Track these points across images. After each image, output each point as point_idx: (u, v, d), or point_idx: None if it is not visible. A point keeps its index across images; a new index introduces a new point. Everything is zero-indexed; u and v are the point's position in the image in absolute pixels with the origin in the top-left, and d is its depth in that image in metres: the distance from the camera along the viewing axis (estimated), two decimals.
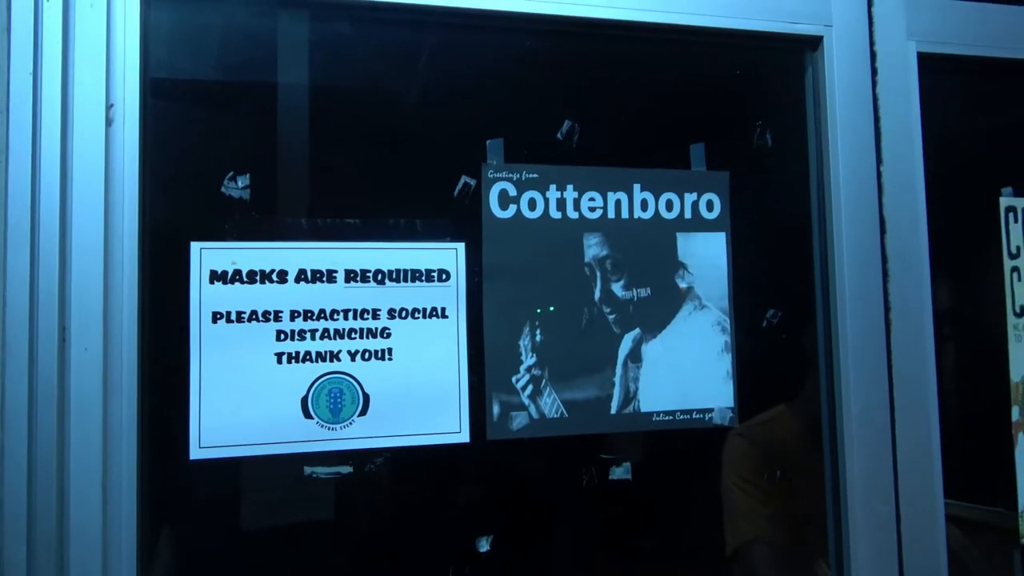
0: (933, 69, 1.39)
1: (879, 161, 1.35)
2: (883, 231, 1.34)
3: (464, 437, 1.18)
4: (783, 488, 1.41)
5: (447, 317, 1.19)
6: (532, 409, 1.23)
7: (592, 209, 1.28)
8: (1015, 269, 1.43)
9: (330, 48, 1.19)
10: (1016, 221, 1.44)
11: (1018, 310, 1.43)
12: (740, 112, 1.37)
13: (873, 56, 1.36)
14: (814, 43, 1.36)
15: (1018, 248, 1.44)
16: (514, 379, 1.22)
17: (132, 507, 1.03)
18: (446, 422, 1.18)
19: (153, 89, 1.12)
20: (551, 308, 1.23)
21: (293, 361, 1.13)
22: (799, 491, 1.39)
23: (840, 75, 1.35)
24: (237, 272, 1.12)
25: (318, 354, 1.14)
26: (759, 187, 1.36)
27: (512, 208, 1.24)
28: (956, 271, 1.42)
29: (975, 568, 1.56)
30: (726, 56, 1.37)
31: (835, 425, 1.32)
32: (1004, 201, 1.45)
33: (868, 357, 1.32)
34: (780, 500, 1.40)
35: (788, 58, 1.37)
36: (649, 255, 1.30)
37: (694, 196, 1.32)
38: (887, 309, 1.33)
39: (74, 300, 1.02)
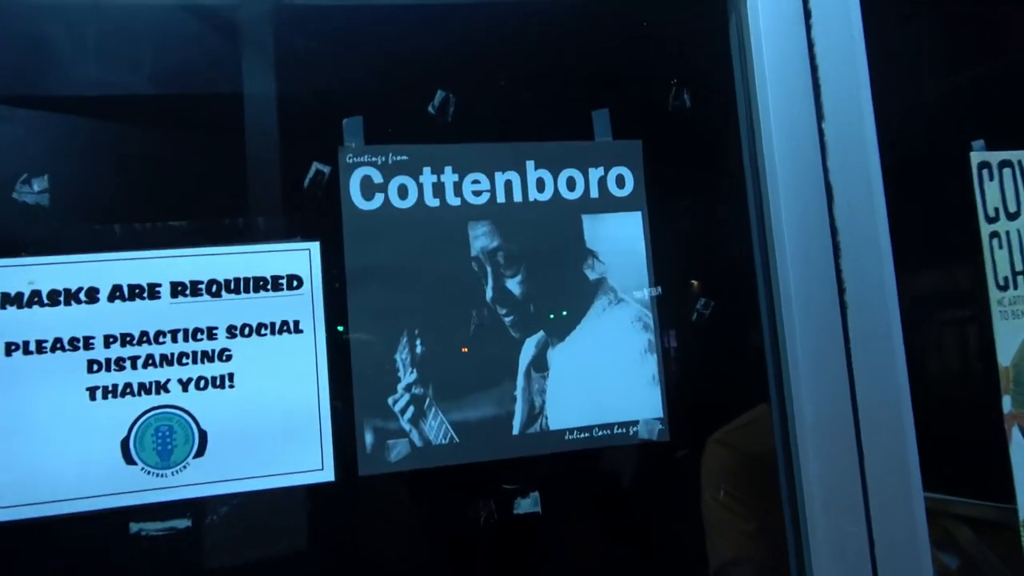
0: (879, 6, 1.18)
1: (820, 117, 1.15)
2: (830, 199, 1.13)
3: (328, 475, 0.98)
4: (768, 500, 1.21)
5: (301, 332, 1.00)
6: (414, 435, 1.02)
7: (477, 193, 1.08)
8: (994, 235, 1.22)
9: (144, 20, 1.00)
10: (992, 179, 1.23)
11: (1002, 282, 1.21)
12: (651, 70, 1.19)
13: None
14: None
15: (996, 210, 1.22)
16: (390, 401, 1.02)
17: None
18: (305, 458, 0.98)
19: None
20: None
21: (110, 396, 0.94)
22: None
23: (767, 20, 1.15)
24: (35, 293, 0.93)
25: (141, 386, 0.95)
26: (679, 156, 1.17)
27: (378, 197, 1.05)
28: (923, 241, 1.20)
29: (990, 571, 1.38)
30: (630, 4, 1.17)
31: (787, 434, 1.11)
32: (976, 156, 1.23)
33: (822, 350, 1.11)
34: (765, 514, 1.22)
35: (706, 3, 1.17)
36: (550, 243, 1.11)
37: (600, 171, 1.13)
38: (841, 291, 1.13)
39: None
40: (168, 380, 0.96)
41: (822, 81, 1.15)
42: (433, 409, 1.03)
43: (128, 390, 0.94)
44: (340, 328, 1.00)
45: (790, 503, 1.13)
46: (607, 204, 1.13)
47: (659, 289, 1.13)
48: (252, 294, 0.99)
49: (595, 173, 1.13)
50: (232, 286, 0.98)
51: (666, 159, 1.15)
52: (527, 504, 1.07)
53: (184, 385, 0.96)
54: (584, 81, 1.17)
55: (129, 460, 0.93)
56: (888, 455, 1.12)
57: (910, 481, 1.13)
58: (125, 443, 0.94)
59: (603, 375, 1.10)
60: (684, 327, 1.16)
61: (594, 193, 1.13)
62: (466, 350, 1.05)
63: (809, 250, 1.12)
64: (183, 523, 0.95)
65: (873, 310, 1.13)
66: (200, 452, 0.95)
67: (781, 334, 1.12)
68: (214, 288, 0.98)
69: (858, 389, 1.12)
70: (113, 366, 0.94)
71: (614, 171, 1.14)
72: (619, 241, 1.13)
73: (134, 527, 0.94)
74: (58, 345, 0.93)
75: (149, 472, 0.94)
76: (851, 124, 1.15)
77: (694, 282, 1.20)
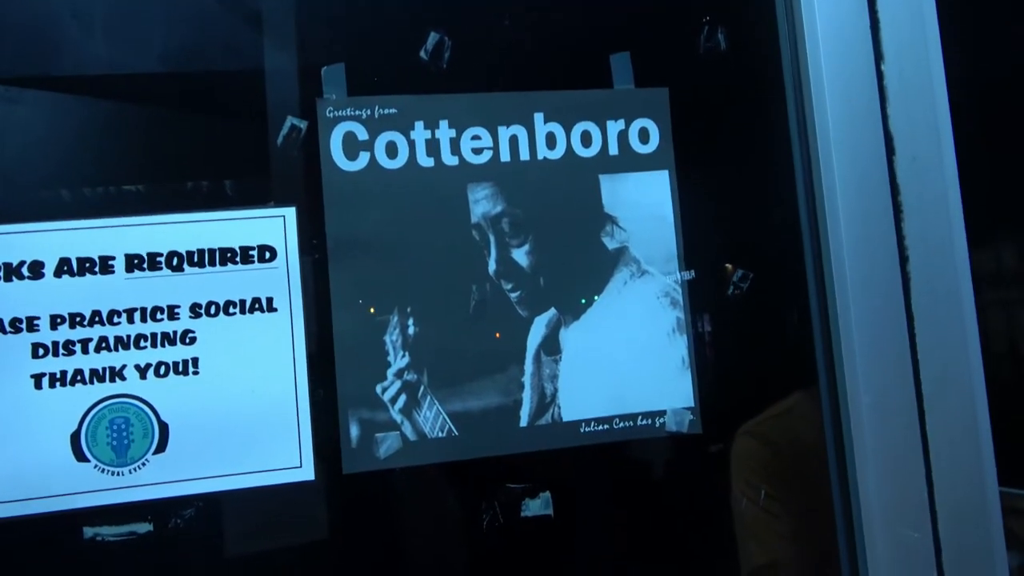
0: None
1: (879, 57, 1.00)
2: (890, 151, 0.99)
3: (307, 473, 0.87)
4: (804, 498, 1.12)
5: (275, 310, 0.88)
6: (407, 428, 0.90)
7: (477, 151, 0.95)
8: None
9: None
10: None
11: None
12: (680, 6, 1.03)
13: None
14: None
15: None
16: (379, 388, 0.90)
17: None
18: (280, 454, 0.86)
19: None
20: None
21: (58, 384, 0.83)
22: (826, 500, 1.06)
23: None
24: None
25: (93, 373, 0.84)
26: (712, 106, 1.02)
27: (363, 156, 0.92)
28: (1000, 201, 1.04)
29: None
30: None
31: (839, 423, 0.97)
32: None
33: (880, 326, 0.98)
34: (803, 513, 1.12)
35: None
36: (562, 208, 0.98)
37: (621, 124, 1.00)
38: (903, 259, 0.98)
39: None
40: (124, 366, 0.85)
41: (881, 15, 1.01)
42: (428, 398, 0.91)
43: (79, 377, 0.84)
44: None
45: (843, 503, 0.99)
46: (629, 162, 1.00)
47: (692, 272, 0.99)
48: (218, 268, 0.87)
49: (614, 127, 1.00)
50: (196, 259, 0.87)
51: (697, 110, 1.02)
52: (537, 506, 0.94)
53: (142, 372, 0.85)
54: (602, 19, 1.02)
55: (80, 457, 0.83)
56: (958, 447, 0.99)
57: (984, 478, 0.99)
58: (75, 437, 0.83)
59: (624, 359, 0.97)
60: (719, 303, 1.02)
61: (613, 150, 0.99)
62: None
63: (866, 212, 0.98)
64: (143, 527, 0.84)
65: (941, 282, 0.99)
66: (161, 447, 0.84)
67: (832, 310, 0.99)
68: (175, 261, 0.86)
69: (922, 370, 0.98)
70: (61, 350, 0.83)
71: (636, 124, 1.00)
72: (642, 205, 1.00)
73: (88, 532, 0.83)
74: None
75: (103, 470, 0.83)
76: (916, 65, 1.01)
77: (730, 252, 1.05)
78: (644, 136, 1.00)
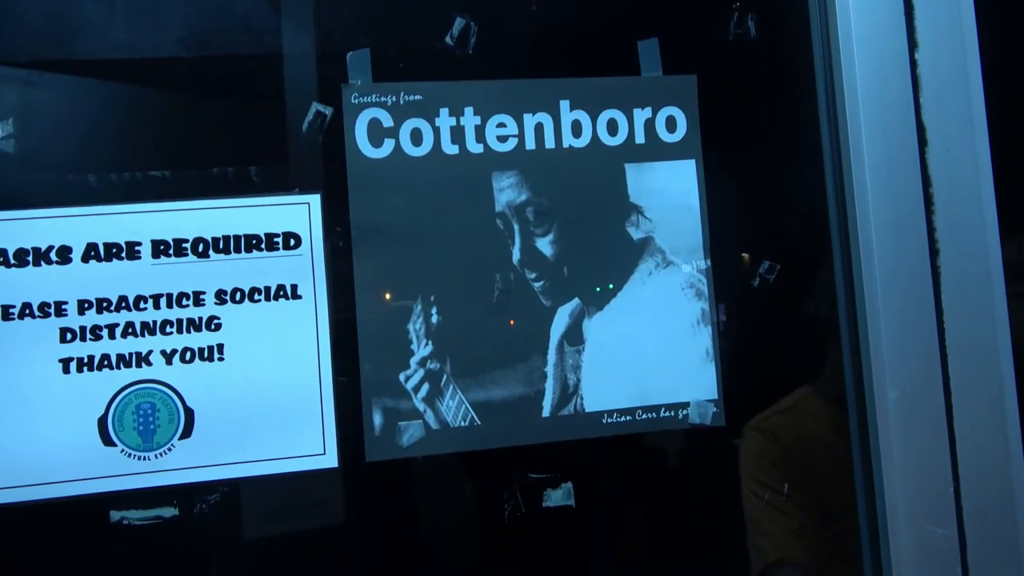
0: None
1: (912, 45, 0.98)
2: (923, 143, 0.97)
3: (331, 461, 0.87)
4: (813, 493, 1.11)
5: (300, 297, 0.88)
6: (429, 416, 0.90)
7: (502, 139, 0.94)
8: None
9: None
10: None
11: None
12: None
13: None
14: None
15: None
16: (403, 377, 0.90)
17: None
18: (304, 442, 0.87)
19: None
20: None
21: (85, 369, 0.84)
22: (834, 495, 1.09)
23: None
24: (0, 252, 0.83)
25: (119, 358, 0.84)
26: (741, 94, 1.01)
27: (388, 143, 0.92)
28: None
29: None
30: None
31: (865, 419, 0.96)
32: None
33: (908, 321, 0.96)
34: (810, 509, 1.11)
35: None
36: (587, 197, 0.97)
37: (647, 112, 0.98)
38: (934, 252, 0.96)
39: None
40: (150, 351, 0.85)
41: (916, 0, 0.97)
42: (451, 387, 0.91)
43: (105, 362, 0.84)
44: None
45: (867, 499, 0.98)
46: (655, 151, 0.98)
47: (718, 263, 0.98)
48: (244, 254, 0.87)
49: (641, 115, 0.98)
50: (221, 245, 0.87)
51: (725, 97, 1.00)
52: (558, 496, 0.94)
53: (168, 357, 0.85)
54: (629, 4, 1.01)
55: (107, 441, 0.83)
56: (985, 443, 0.97)
57: (1011, 474, 0.97)
58: (103, 422, 0.84)
59: (648, 350, 0.96)
60: (744, 294, 1.01)
61: (640, 138, 0.98)
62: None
63: (896, 204, 0.96)
64: (169, 511, 0.85)
65: (972, 277, 0.98)
66: (187, 433, 0.85)
67: (860, 304, 0.97)
68: (201, 247, 0.86)
69: (951, 367, 0.96)
70: (88, 335, 0.84)
71: (664, 112, 0.98)
72: (669, 194, 0.98)
73: (115, 515, 0.84)
74: (27, 311, 0.83)
75: (130, 455, 0.84)
76: (951, 53, 0.99)
77: (757, 244, 1.04)
78: (671, 124, 0.98)
